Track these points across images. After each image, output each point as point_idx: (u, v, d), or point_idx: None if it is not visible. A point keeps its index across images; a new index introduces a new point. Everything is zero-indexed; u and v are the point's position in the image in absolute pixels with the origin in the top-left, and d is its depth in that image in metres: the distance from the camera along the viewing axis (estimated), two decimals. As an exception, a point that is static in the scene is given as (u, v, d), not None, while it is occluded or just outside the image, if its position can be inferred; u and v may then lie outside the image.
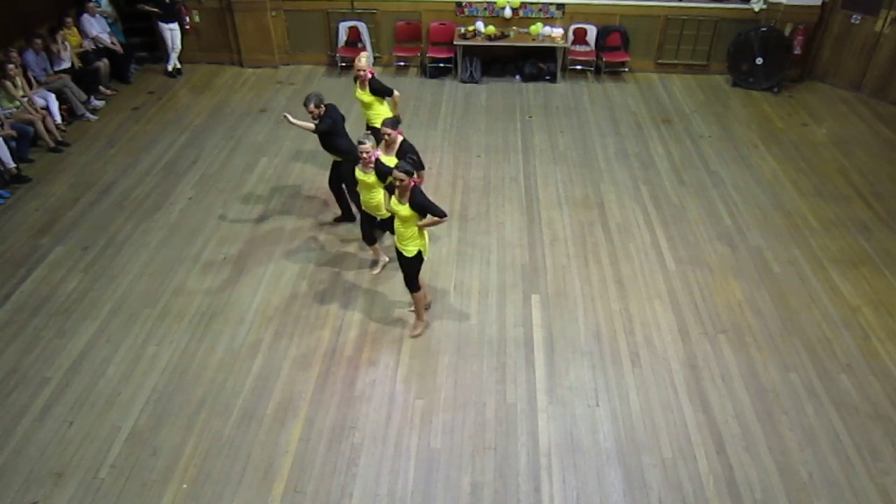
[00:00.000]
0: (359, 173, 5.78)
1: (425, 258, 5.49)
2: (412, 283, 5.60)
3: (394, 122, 6.03)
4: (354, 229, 7.01)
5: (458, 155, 8.52)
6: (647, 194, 7.79)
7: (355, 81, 6.86)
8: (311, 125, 6.29)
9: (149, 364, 5.51)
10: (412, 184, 5.11)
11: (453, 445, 4.86)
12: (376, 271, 6.50)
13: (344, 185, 6.87)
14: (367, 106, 6.93)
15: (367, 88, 6.77)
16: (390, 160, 5.84)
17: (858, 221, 7.34)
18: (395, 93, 6.87)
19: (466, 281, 6.42)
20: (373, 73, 6.79)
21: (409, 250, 5.38)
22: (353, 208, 6.98)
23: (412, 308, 5.92)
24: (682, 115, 9.70)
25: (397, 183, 5.08)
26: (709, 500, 4.52)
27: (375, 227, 6.21)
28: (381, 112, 6.86)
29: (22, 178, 7.91)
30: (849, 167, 8.39)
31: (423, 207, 5.13)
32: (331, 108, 6.41)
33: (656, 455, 4.80)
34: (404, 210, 5.15)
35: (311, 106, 6.27)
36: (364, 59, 6.78)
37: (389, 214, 5.87)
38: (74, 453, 4.79)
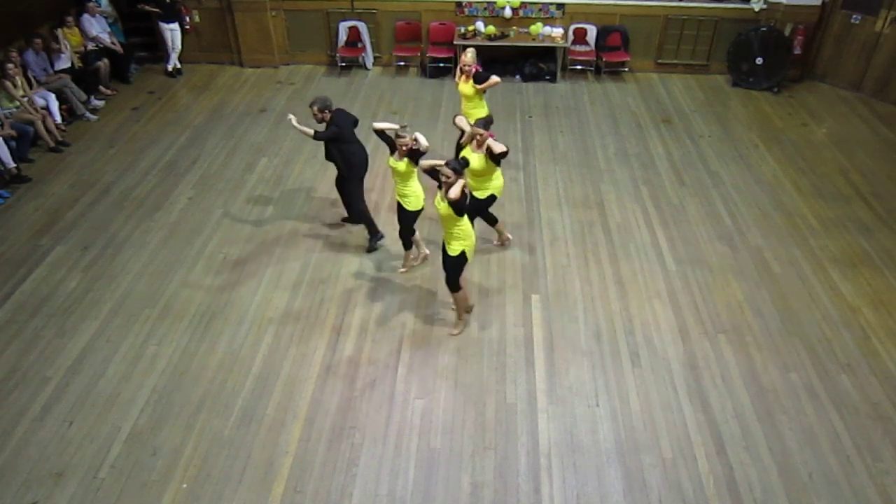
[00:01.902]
0: (391, 161, 5.87)
1: (469, 260, 5.48)
2: (453, 283, 5.58)
3: (486, 123, 6.03)
4: (354, 228, 7.03)
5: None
6: (647, 194, 7.79)
7: (460, 74, 7.08)
8: (311, 131, 6.16)
9: (149, 364, 5.51)
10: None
11: (453, 445, 4.86)
12: (416, 263, 6.57)
13: (341, 195, 6.83)
14: (468, 99, 7.10)
15: (471, 82, 6.94)
16: (480, 158, 5.94)
17: (858, 221, 7.34)
18: (495, 77, 6.95)
19: (467, 281, 6.41)
20: (478, 68, 6.95)
21: (454, 248, 5.38)
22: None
23: (453, 307, 5.92)
24: (682, 115, 9.70)
25: (444, 179, 5.10)
26: (709, 500, 4.52)
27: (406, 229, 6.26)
28: (480, 108, 7.05)
29: (22, 178, 7.91)
30: (849, 167, 8.39)
31: (460, 208, 5.15)
32: (338, 115, 6.28)
33: (656, 455, 4.80)
34: (444, 208, 5.18)
35: (315, 109, 6.19)
36: (471, 55, 6.95)
37: (420, 207, 6.06)
38: (74, 453, 4.79)
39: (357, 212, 6.79)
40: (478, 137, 5.97)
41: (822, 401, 5.24)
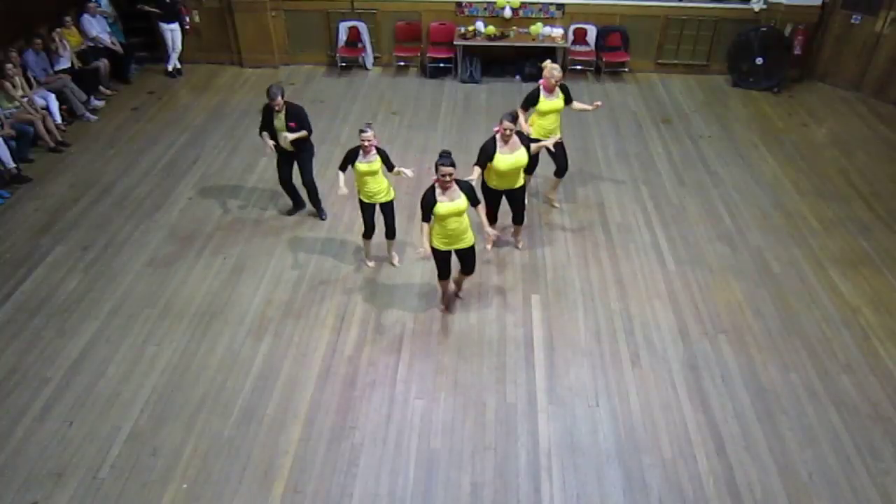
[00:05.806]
0: (360, 165, 5.88)
1: (442, 250, 5.53)
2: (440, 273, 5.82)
3: (513, 117, 5.84)
4: (354, 229, 7.02)
5: (458, 155, 8.37)
6: (647, 194, 7.79)
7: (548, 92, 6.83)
8: (304, 133, 6.54)
9: (149, 364, 5.51)
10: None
11: (453, 445, 4.86)
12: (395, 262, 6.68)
13: (303, 179, 6.97)
14: (557, 114, 6.90)
15: (562, 96, 6.82)
16: (511, 157, 5.94)
17: (858, 221, 7.34)
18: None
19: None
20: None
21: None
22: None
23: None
24: (682, 115, 9.70)
25: (447, 179, 5.19)
26: (709, 500, 4.52)
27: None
28: (558, 128, 6.95)
29: (22, 178, 7.91)
30: (849, 167, 8.39)
31: (471, 190, 5.43)
32: (290, 105, 6.56)
33: (656, 455, 4.80)
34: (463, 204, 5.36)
35: (280, 98, 6.36)
36: (559, 70, 6.79)
37: (388, 198, 6.16)
38: (74, 453, 4.79)
39: (310, 181, 7.01)
40: (507, 133, 5.79)
41: (822, 401, 5.23)
